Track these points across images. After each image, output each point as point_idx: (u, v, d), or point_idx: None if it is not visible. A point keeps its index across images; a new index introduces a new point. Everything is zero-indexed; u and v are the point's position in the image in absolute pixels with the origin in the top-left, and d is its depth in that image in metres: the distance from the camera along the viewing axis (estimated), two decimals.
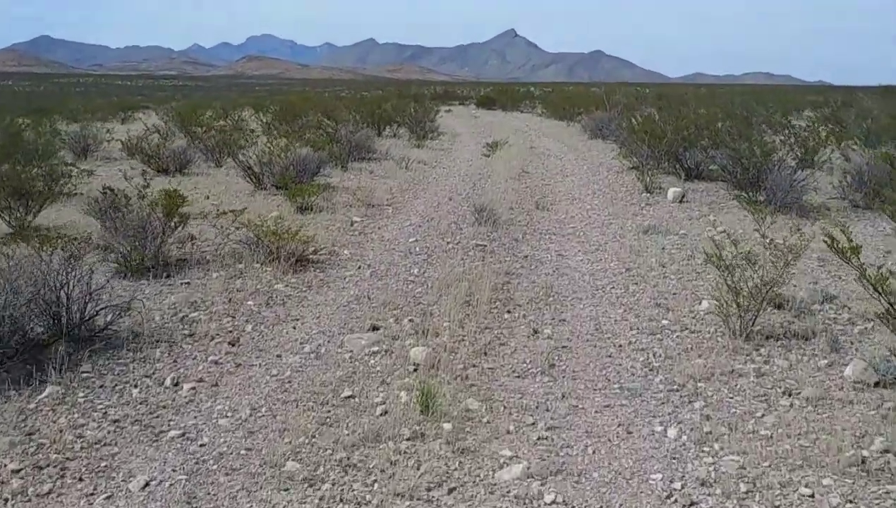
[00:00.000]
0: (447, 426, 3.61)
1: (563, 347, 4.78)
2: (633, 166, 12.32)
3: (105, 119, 26.43)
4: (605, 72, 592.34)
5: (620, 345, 4.79)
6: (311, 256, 6.77)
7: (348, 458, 3.37)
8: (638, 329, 5.07)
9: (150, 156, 12.17)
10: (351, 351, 4.70)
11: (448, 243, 7.55)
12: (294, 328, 5.15)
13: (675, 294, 5.84)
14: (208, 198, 9.77)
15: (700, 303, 5.52)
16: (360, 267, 6.66)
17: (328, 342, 4.87)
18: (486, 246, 7.37)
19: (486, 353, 4.65)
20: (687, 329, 5.03)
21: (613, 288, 6.05)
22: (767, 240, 5.06)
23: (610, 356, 4.64)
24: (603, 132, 18.57)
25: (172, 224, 6.54)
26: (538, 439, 3.56)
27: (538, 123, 26.06)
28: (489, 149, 16.32)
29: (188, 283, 6.00)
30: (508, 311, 5.47)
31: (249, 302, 5.60)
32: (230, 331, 5.02)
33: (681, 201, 9.52)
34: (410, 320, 5.23)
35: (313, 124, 17.20)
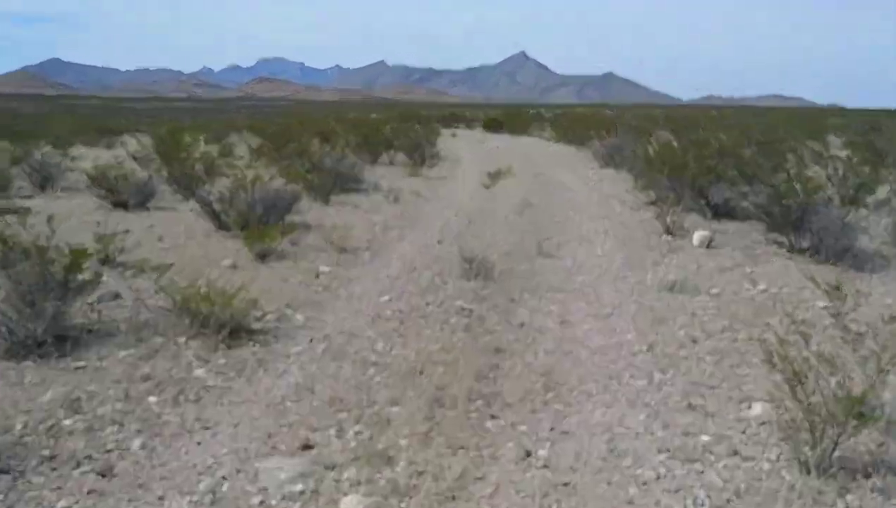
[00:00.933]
0: None
1: (564, 484, 3.39)
2: (650, 201, 10.96)
3: (91, 143, 25.42)
4: (616, 94, 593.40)
5: (645, 483, 3.39)
6: (253, 324, 5.43)
7: None
8: (668, 450, 3.67)
9: (109, 189, 10.92)
10: (264, 490, 3.33)
11: (428, 304, 6.18)
12: (199, 444, 3.78)
13: (713, 388, 4.44)
14: (161, 240, 8.48)
15: (750, 408, 4.12)
16: (312, 341, 5.30)
17: (237, 472, 3.50)
18: (472, 310, 5.99)
19: (454, 497, 3.27)
20: (737, 454, 3.62)
21: (632, 376, 4.66)
22: (842, 316, 3.67)
23: (631, 503, 3.25)
24: (615, 159, 17.23)
25: (77, 283, 5.21)
26: None
27: (546, 148, 24.77)
28: (491, 178, 15.01)
29: (83, 367, 4.66)
30: (493, 416, 4.09)
31: (152, 399, 4.25)
32: (108, 451, 3.66)
33: (708, 246, 8.14)
34: (358, 433, 3.87)
35: (297, 151, 15.96)
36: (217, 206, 9.02)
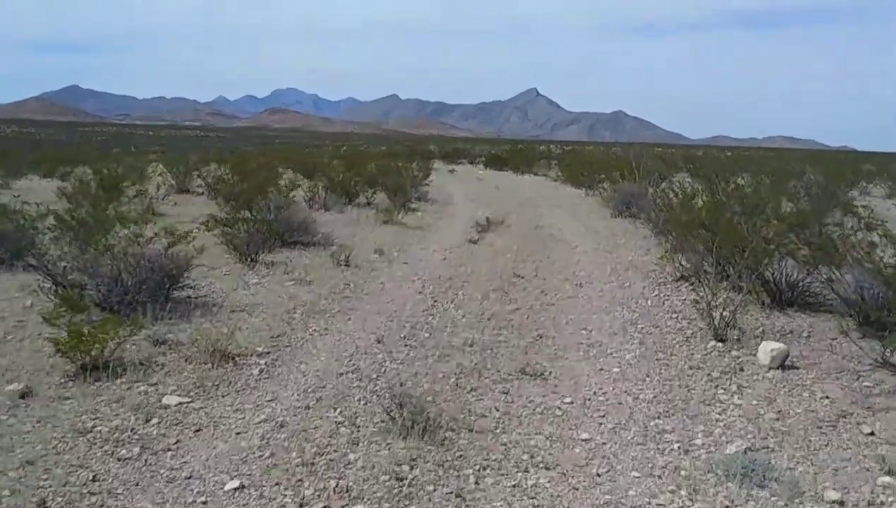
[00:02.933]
0: None
1: None
2: (682, 275, 8.15)
3: (50, 172, 22.94)
4: (627, 132, 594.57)
5: None
6: None
7: None
8: None
9: None
10: None
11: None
12: None
13: None
14: None
15: None
16: None
17: None
18: None
19: None
20: None
21: None
22: None
23: None
24: (631, 209, 14.46)
25: None
26: None
27: (551, 191, 22.05)
28: (480, 230, 12.25)
29: None
30: None
31: None
32: None
33: (782, 366, 5.29)
34: None
35: (254, 191, 13.27)
36: (61, 279, 6.25)
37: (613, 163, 26.25)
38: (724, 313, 6.00)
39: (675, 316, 6.78)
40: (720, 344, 5.81)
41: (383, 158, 29.06)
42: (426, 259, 9.74)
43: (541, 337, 6.10)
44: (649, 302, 7.36)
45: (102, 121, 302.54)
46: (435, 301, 7.31)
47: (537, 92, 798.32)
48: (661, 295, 7.63)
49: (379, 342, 5.86)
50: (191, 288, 6.98)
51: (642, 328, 6.41)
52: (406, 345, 5.77)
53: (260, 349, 5.57)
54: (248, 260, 8.64)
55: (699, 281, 7.62)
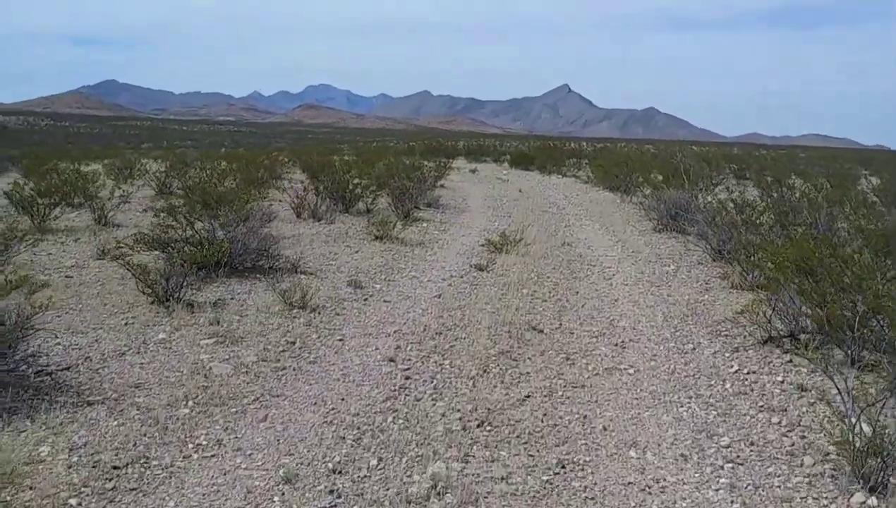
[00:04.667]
0: None
1: None
2: (770, 337, 5.66)
3: (29, 171, 20.99)
4: (659, 129, 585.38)
5: None
6: None
7: None
8: None
9: None
10: None
11: None
12: None
13: None
14: None
15: None
16: None
17: None
18: None
19: None
20: None
21: None
22: None
23: None
24: (678, 222, 11.93)
25: None
26: None
27: (581, 195, 19.50)
28: (493, 249, 9.87)
29: None
30: None
31: None
32: None
33: None
34: None
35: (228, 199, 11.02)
36: None
37: (651, 163, 23.63)
38: (861, 425, 3.53)
39: (775, 418, 4.32)
40: (873, 501, 3.35)
41: (401, 156, 26.77)
42: (415, 295, 7.37)
43: (563, 468, 3.70)
44: (728, 384, 4.89)
45: (137, 115, 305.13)
46: (407, 378, 4.94)
47: (569, 88, 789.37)
48: (744, 369, 5.16)
49: (287, 482, 3.51)
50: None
51: (729, 446, 3.96)
52: (329, 492, 3.41)
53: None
54: (166, 300, 6.36)
55: (795, 345, 5.17)
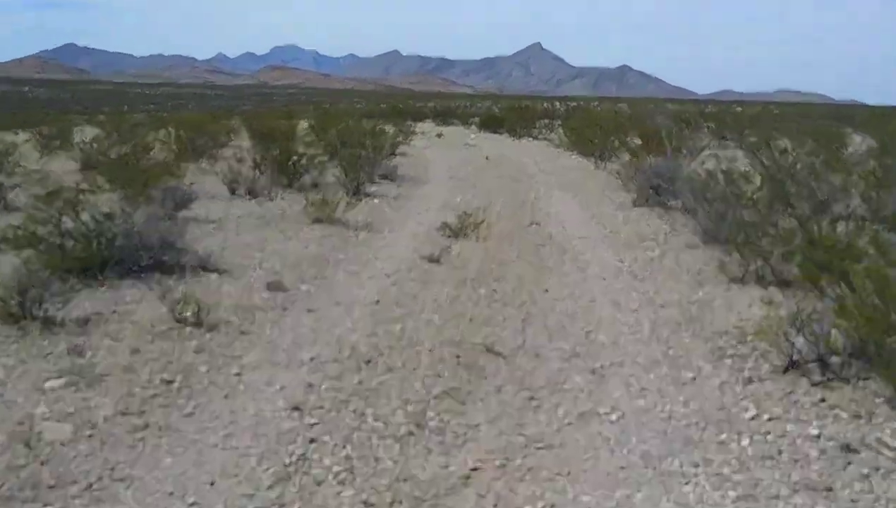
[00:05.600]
0: None
1: None
2: (792, 362, 4.39)
3: None
4: (632, 87, 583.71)
5: None
6: None
7: None
8: None
9: None
10: None
11: None
12: None
13: None
14: None
15: None
16: None
17: None
18: None
19: None
20: None
21: None
22: None
23: None
24: (661, 194, 10.65)
25: None
26: None
27: (553, 161, 18.14)
28: (449, 233, 8.51)
29: None
30: None
31: None
32: None
33: None
34: None
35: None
36: None
37: (627, 124, 22.30)
38: None
39: (820, 506, 3.06)
40: None
41: (362, 119, 25.11)
42: (349, 299, 6.00)
43: None
44: (745, 441, 3.60)
45: (98, 79, 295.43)
46: (312, 441, 3.59)
47: (541, 46, 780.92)
48: (764, 415, 3.88)
49: None
50: None
51: None
52: None
53: None
54: (22, 318, 4.93)
55: (826, 375, 3.93)
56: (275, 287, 6.20)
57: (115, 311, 5.41)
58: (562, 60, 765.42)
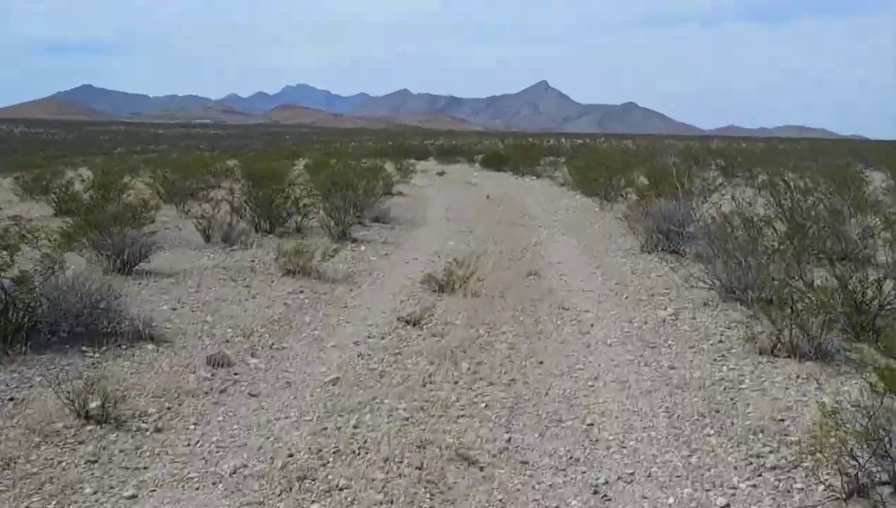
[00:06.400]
0: None
1: None
2: (866, 482, 3.35)
3: None
4: (638, 123, 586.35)
5: None
6: None
7: None
8: None
9: None
10: None
11: None
12: None
13: None
14: None
15: None
16: None
17: None
18: None
19: None
20: None
21: None
22: None
23: None
24: (672, 240, 9.66)
25: None
26: None
27: (556, 201, 17.22)
28: (436, 287, 7.54)
29: None
30: None
31: None
32: None
33: None
34: None
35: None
36: None
37: (634, 161, 21.39)
38: None
39: None
40: None
41: (361, 159, 24.33)
42: (302, 379, 5.00)
43: None
44: None
45: (113, 119, 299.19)
46: None
47: (547, 85, 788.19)
48: None
49: None
50: None
51: None
52: None
53: None
54: None
55: None
56: (218, 361, 5.21)
57: (11, 399, 4.44)
58: (567, 98, 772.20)
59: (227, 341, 5.71)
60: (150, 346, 5.51)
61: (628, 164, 19.94)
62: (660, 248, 9.77)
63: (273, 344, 5.72)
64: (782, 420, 4.21)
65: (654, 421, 4.30)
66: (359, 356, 5.48)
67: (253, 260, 9.01)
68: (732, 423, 4.21)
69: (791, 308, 5.38)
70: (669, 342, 5.89)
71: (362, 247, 10.30)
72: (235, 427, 4.20)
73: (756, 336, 5.48)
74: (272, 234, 11.12)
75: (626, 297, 7.47)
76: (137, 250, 8.15)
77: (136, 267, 8.10)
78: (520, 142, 41.70)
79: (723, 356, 5.45)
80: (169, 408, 4.41)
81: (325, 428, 4.15)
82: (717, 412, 4.39)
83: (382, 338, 5.94)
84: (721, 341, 5.86)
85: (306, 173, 18.29)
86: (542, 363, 5.41)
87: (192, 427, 4.19)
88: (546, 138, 79.44)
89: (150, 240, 8.54)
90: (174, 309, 6.59)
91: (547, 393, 4.78)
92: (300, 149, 37.20)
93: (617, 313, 6.87)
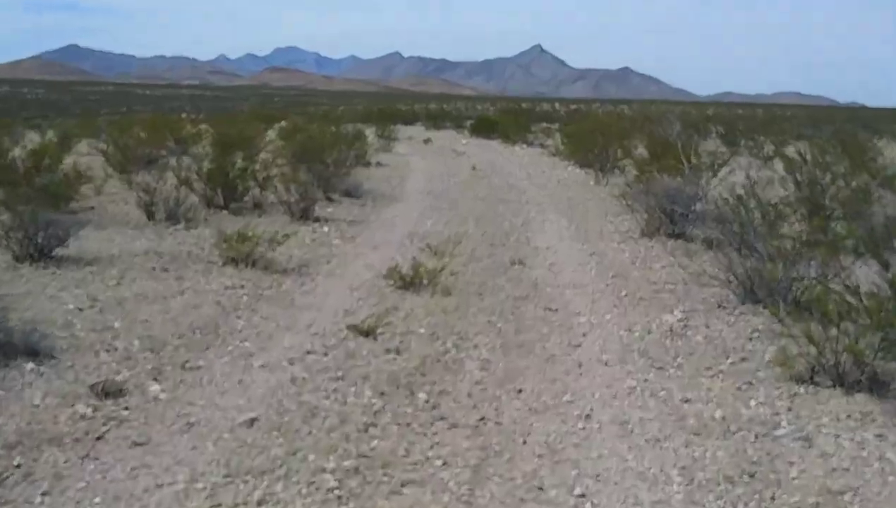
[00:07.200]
0: None
1: None
2: None
3: None
4: (633, 88, 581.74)
5: None
6: None
7: None
8: None
9: None
10: None
11: None
12: None
13: None
14: None
15: None
16: None
17: None
18: None
19: None
20: None
21: None
22: None
23: None
24: (676, 223, 8.51)
25: None
26: None
27: (548, 172, 16.02)
28: (401, 282, 6.39)
29: None
30: None
31: None
32: None
33: None
34: None
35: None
36: None
37: (632, 129, 20.13)
38: None
39: None
40: None
41: (341, 123, 22.92)
42: (209, 420, 3.85)
43: None
44: None
45: (100, 80, 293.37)
46: None
47: (541, 48, 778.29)
48: None
49: None
50: None
51: None
52: None
53: None
54: None
55: None
56: (105, 391, 4.06)
57: None
58: (563, 62, 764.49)
59: (129, 358, 4.56)
60: (29, 366, 4.35)
61: (625, 132, 18.70)
62: (662, 232, 8.63)
63: (186, 362, 4.57)
64: (841, 493, 3.11)
65: (666, 491, 3.19)
66: (291, 380, 4.34)
67: (196, 243, 7.83)
68: (773, 498, 3.11)
69: (835, 324, 4.25)
70: (679, 360, 4.78)
71: (325, 228, 9.12)
72: (98, 500, 3.06)
73: (789, 359, 4.36)
74: (226, 211, 9.93)
75: (625, 295, 6.35)
76: (55, 232, 6.94)
77: (54, 252, 6.91)
78: (511, 106, 40.19)
79: (749, 383, 4.34)
80: (18, 466, 3.27)
81: (219, 507, 3.02)
82: (752, 476, 3.29)
83: (326, 354, 4.80)
84: (744, 359, 4.76)
85: (278, 140, 16.97)
86: (520, 392, 4.29)
87: (39, 500, 3.05)
88: (539, 103, 77.74)
89: (73, 219, 7.34)
90: (81, 310, 5.43)
91: (525, 441, 3.67)
92: (279, 113, 35.62)
93: (614, 317, 5.75)
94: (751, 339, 5.13)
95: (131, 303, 5.66)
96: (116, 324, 5.14)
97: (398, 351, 4.82)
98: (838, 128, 26.06)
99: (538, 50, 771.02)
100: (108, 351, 4.67)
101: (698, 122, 27.39)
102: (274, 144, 16.39)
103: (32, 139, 17.35)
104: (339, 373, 4.46)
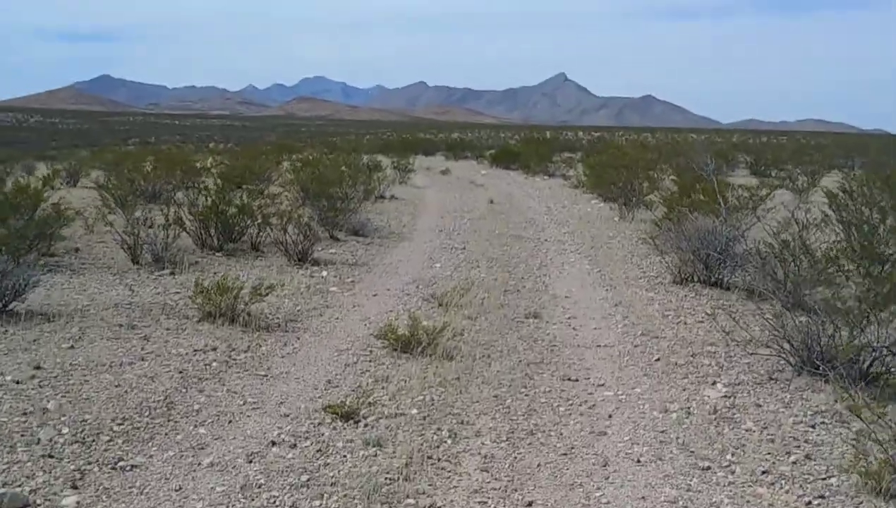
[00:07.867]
0: None
1: None
2: None
3: None
4: (656, 117, 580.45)
5: None
6: None
7: None
8: None
9: None
10: None
11: None
12: None
13: None
14: None
15: None
16: None
17: None
18: None
19: None
20: None
21: None
22: None
23: None
24: (711, 269, 7.56)
25: None
26: None
27: (569, 206, 15.12)
28: (396, 346, 5.52)
29: None
30: None
31: None
32: None
33: None
34: None
35: None
36: None
37: (658, 161, 19.20)
38: None
39: None
40: None
41: (354, 154, 22.28)
42: None
43: None
44: None
45: (131, 110, 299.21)
46: None
47: (565, 77, 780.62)
48: None
49: None
50: None
51: None
52: None
53: None
54: None
55: None
56: None
57: None
58: (586, 91, 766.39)
59: (50, 454, 3.73)
60: None
61: (651, 163, 17.78)
62: (696, 278, 7.69)
63: (120, 460, 3.73)
64: None
65: None
66: (241, 489, 3.48)
67: (179, 292, 7.05)
68: None
69: None
70: (729, 457, 3.84)
71: (324, 273, 8.31)
72: None
73: (871, 468, 3.41)
74: (220, 253, 9.18)
75: (657, 360, 5.42)
76: (11, 284, 6.20)
77: (9, 307, 6.16)
78: (532, 136, 39.45)
79: (821, 497, 3.39)
80: None
81: None
82: None
83: (293, 446, 3.93)
84: (808, 456, 3.81)
85: (288, 173, 16.30)
86: (530, 506, 3.38)
87: None
88: (562, 131, 77.08)
89: (52, 263, 6.61)
90: (17, 383, 4.64)
91: None
92: (299, 145, 35.16)
93: (645, 390, 4.82)
94: (814, 427, 4.18)
95: (79, 374, 4.86)
96: (50, 405, 4.33)
97: (380, 444, 3.94)
98: (874, 159, 24.83)
99: (562, 78, 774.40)
100: (27, 444, 3.85)
101: (726, 152, 26.39)
102: (282, 179, 15.75)
103: (41, 171, 16.91)
104: (304, 478, 3.59)
